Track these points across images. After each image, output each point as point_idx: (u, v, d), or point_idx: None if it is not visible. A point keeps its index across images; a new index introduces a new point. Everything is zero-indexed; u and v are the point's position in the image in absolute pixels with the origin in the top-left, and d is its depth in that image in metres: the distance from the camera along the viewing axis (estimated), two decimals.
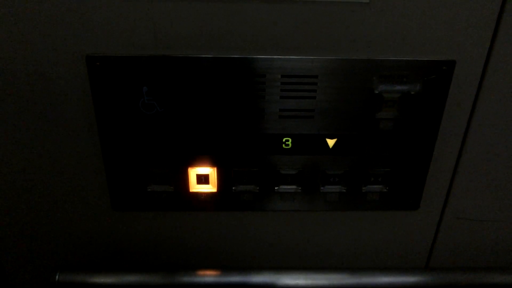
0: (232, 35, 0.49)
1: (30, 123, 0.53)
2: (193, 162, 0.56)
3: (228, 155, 0.56)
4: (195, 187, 0.59)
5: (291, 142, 0.55)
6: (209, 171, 0.57)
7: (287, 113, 0.53)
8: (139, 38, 0.49)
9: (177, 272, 0.60)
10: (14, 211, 0.60)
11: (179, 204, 0.59)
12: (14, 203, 0.59)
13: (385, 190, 0.59)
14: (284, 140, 0.55)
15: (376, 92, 0.52)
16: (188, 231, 0.63)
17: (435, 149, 0.57)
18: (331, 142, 0.56)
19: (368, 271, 0.61)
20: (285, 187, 0.59)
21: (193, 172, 0.57)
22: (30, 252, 0.64)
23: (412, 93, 0.52)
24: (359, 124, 0.54)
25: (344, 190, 0.59)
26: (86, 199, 0.59)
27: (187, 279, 0.60)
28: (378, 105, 0.53)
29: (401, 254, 0.66)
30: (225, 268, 0.61)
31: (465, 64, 0.51)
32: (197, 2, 0.47)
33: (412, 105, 0.53)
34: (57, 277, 0.58)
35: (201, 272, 0.61)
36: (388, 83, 0.52)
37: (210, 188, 0.59)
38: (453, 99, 0.53)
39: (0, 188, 0.58)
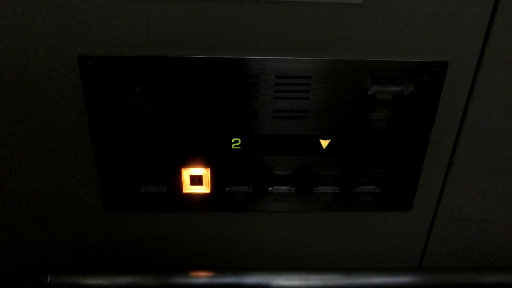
0: (226, 35, 0.49)
1: (22, 123, 0.53)
2: (187, 163, 0.56)
3: (222, 156, 0.56)
4: (188, 188, 0.58)
5: (285, 143, 0.55)
6: (203, 172, 0.57)
7: (280, 114, 0.53)
8: (132, 38, 0.49)
9: (170, 273, 0.60)
10: (5, 212, 0.59)
11: (172, 205, 0.59)
12: (5, 204, 0.59)
13: (378, 190, 0.59)
14: (277, 140, 0.55)
15: (369, 93, 0.52)
16: (182, 232, 0.62)
17: (428, 149, 0.57)
18: (324, 143, 0.56)
19: (361, 272, 0.62)
20: (279, 188, 0.59)
21: (187, 173, 0.57)
22: (21, 254, 0.63)
23: (405, 94, 0.53)
24: (352, 125, 0.54)
25: (338, 191, 0.59)
26: (78, 200, 0.59)
27: (180, 280, 0.59)
28: (371, 106, 0.53)
29: (394, 254, 0.66)
30: (218, 269, 0.61)
31: (457, 66, 0.52)
32: (190, 2, 0.47)
33: (405, 106, 0.53)
34: (48, 279, 0.57)
35: (195, 273, 0.60)
36: (381, 84, 0.52)
37: (204, 189, 0.58)
38: (445, 100, 0.54)
39: None
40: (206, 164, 0.57)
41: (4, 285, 0.66)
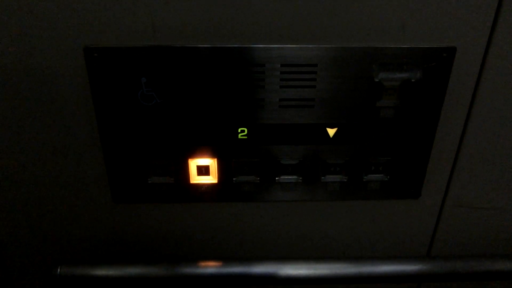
0: (231, 24, 0.49)
1: (29, 115, 0.53)
2: (193, 153, 0.56)
3: (228, 146, 0.56)
4: (195, 179, 0.58)
5: (291, 132, 0.55)
6: (210, 162, 0.57)
7: (287, 103, 0.53)
8: (137, 28, 0.48)
9: (178, 263, 0.60)
10: (14, 205, 0.60)
11: (180, 196, 0.59)
12: (15, 197, 0.59)
13: (386, 179, 0.59)
14: (284, 130, 0.55)
15: (376, 80, 0.52)
16: (189, 222, 0.63)
17: (436, 137, 0.57)
18: (331, 132, 0.55)
19: (369, 260, 0.61)
20: (286, 177, 0.59)
21: (194, 163, 0.57)
22: (31, 246, 0.64)
23: (413, 80, 0.52)
24: (359, 112, 0.54)
25: (345, 180, 0.59)
26: (86, 192, 0.59)
27: (188, 270, 0.60)
28: (379, 93, 0.53)
29: (403, 242, 0.66)
30: (226, 259, 0.61)
31: (465, 51, 0.51)
32: None
33: (413, 93, 0.53)
34: (58, 270, 0.58)
35: (203, 263, 0.61)
36: (388, 71, 0.52)
37: (211, 179, 0.59)
38: (453, 86, 0.53)
39: (0, 182, 0.58)
40: (213, 154, 0.56)
41: (15, 277, 0.67)
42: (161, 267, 0.59)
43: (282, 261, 0.61)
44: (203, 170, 0.58)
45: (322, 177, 0.59)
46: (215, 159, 0.57)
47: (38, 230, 0.62)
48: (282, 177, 0.59)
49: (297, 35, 0.50)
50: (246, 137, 0.55)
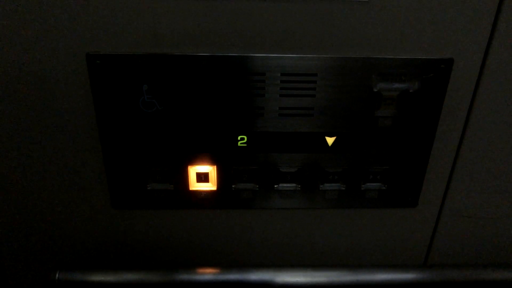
0: (232, 33, 0.49)
1: (30, 121, 0.53)
2: (193, 160, 0.57)
3: (228, 153, 0.56)
4: (195, 185, 0.59)
5: (291, 140, 0.56)
6: (209, 169, 0.58)
7: (286, 111, 0.54)
8: (139, 36, 0.49)
9: (176, 270, 0.60)
10: (13, 210, 0.60)
11: (179, 202, 0.60)
12: (14, 202, 0.59)
13: (384, 187, 0.59)
14: (283, 138, 0.55)
15: (375, 90, 0.52)
16: (188, 229, 0.63)
17: (434, 146, 0.57)
18: (330, 140, 0.56)
19: (367, 268, 0.62)
20: (285, 185, 0.59)
21: (193, 170, 0.57)
22: (29, 251, 0.64)
23: (411, 91, 0.53)
24: (358, 122, 0.55)
25: (343, 188, 0.59)
26: (86, 198, 0.59)
27: (186, 277, 0.60)
28: (377, 103, 0.53)
29: (400, 251, 0.67)
30: (224, 266, 0.62)
31: (463, 62, 0.52)
32: (196, 0, 0.47)
33: (411, 103, 0.54)
34: (57, 275, 0.58)
35: (201, 270, 0.61)
36: (387, 81, 0.52)
37: (210, 186, 0.59)
38: (451, 97, 0.54)
39: (0, 188, 0.58)
40: (212, 162, 0.57)
41: (13, 282, 0.66)
42: (159, 273, 0.60)
43: (280, 268, 0.61)
44: (202, 177, 0.58)
45: (321, 185, 0.59)
46: (215, 166, 0.57)
47: (37, 235, 0.62)
48: (281, 184, 0.59)
49: (297, 45, 0.50)
50: (245, 144, 0.56)
